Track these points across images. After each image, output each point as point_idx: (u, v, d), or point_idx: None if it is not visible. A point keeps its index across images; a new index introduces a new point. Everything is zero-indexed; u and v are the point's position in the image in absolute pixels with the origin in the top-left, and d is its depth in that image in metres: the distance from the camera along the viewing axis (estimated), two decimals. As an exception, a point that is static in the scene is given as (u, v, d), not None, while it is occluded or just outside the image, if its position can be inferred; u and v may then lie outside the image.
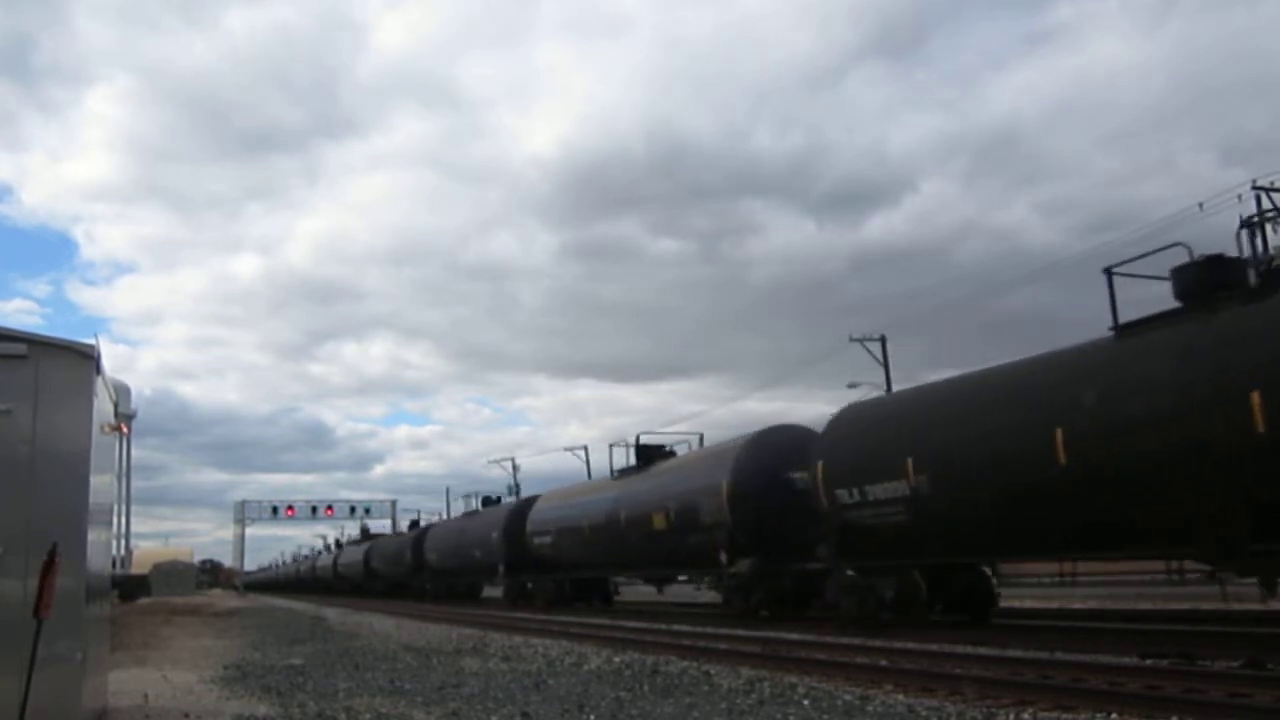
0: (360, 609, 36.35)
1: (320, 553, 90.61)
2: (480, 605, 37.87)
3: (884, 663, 10.66)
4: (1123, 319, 13.14)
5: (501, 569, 35.95)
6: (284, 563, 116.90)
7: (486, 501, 45.03)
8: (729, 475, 21.30)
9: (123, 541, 57.29)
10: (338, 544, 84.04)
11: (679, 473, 25.18)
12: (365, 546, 65.05)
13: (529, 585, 34.31)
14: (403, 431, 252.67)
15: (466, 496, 47.46)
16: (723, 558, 20.89)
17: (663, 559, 25.40)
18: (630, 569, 29.20)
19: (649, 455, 27.76)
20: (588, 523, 28.64)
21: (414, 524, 61.02)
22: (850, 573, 17.13)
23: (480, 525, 40.03)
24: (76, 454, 6.81)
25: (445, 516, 60.84)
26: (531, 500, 35.97)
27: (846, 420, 18.27)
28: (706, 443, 27.23)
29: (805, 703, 8.23)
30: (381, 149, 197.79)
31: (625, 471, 28.54)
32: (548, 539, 31.73)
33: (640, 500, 25.70)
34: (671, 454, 27.45)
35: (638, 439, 28.68)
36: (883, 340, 41.19)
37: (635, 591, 40.06)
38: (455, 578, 45.20)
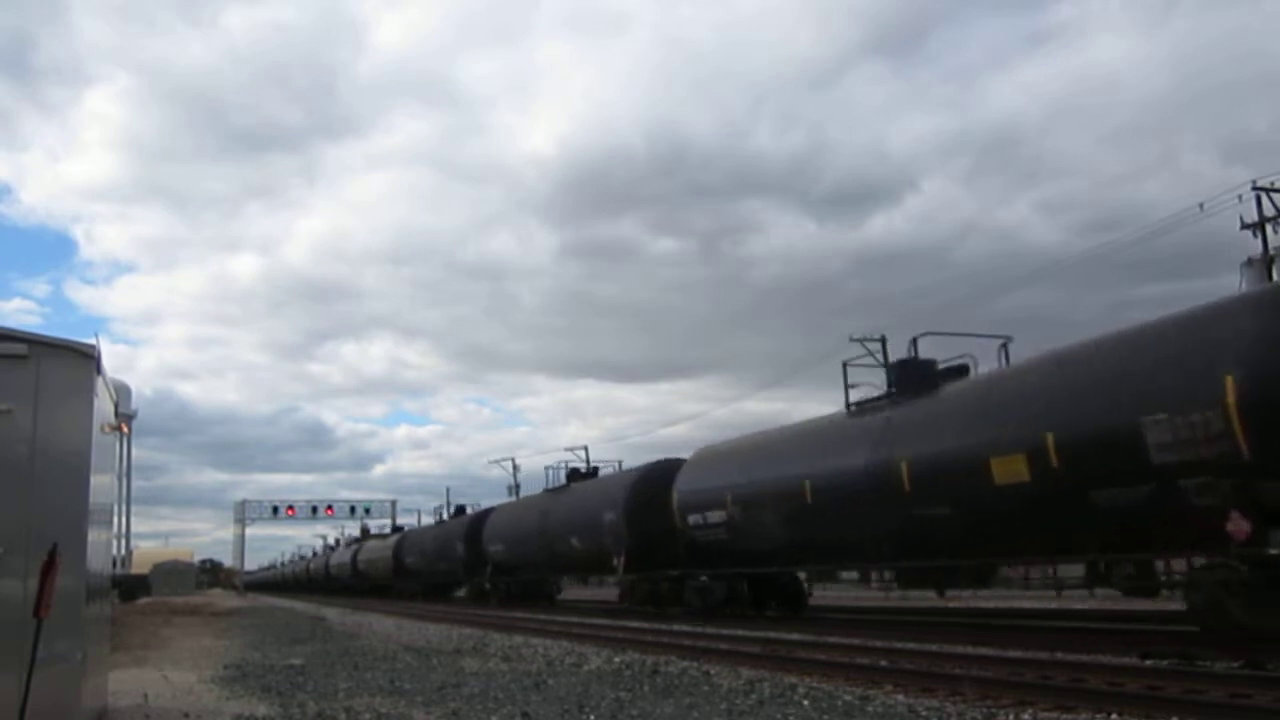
0: (361, 609, 36.34)
1: (333, 548, 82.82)
2: (565, 611, 29.20)
3: (884, 663, 10.66)
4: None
5: (619, 562, 25.91)
6: (286, 561, 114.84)
7: (575, 475, 32.80)
8: (1242, 361, 11.07)
9: (123, 541, 57.71)
10: (355, 538, 76.31)
11: (1050, 379, 14.35)
12: (395, 539, 55.92)
13: (664, 585, 24.53)
14: (402, 431, 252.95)
15: (549, 468, 34.53)
16: (1239, 526, 10.94)
17: (1015, 536, 14.78)
18: (910, 553, 16.77)
19: (924, 374, 17.36)
20: (810, 485, 18.49)
21: (460, 510, 49.39)
22: None
23: (577, 504, 29.65)
24: (76, 454, 6.81)
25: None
26: (673, 464, 25.60)
27: None
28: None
29: (805, 703, 8.23)
30: (381, 148, 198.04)
31: (878, 403, 18.12)
32: (719, 515, 21.56)
33: (948, 438, 15.49)
34: (960, 370, 17.18)
35: (914, 343, 18.21)
36: (883, 340, 41.12)
37: (828, 593, 31.15)
38: (533, 574, 34.71)
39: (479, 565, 37.86)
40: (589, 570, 31.86)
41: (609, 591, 31.67)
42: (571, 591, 39.28)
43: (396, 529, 66.35)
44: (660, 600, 24.70)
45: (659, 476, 25.63)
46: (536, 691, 9.52)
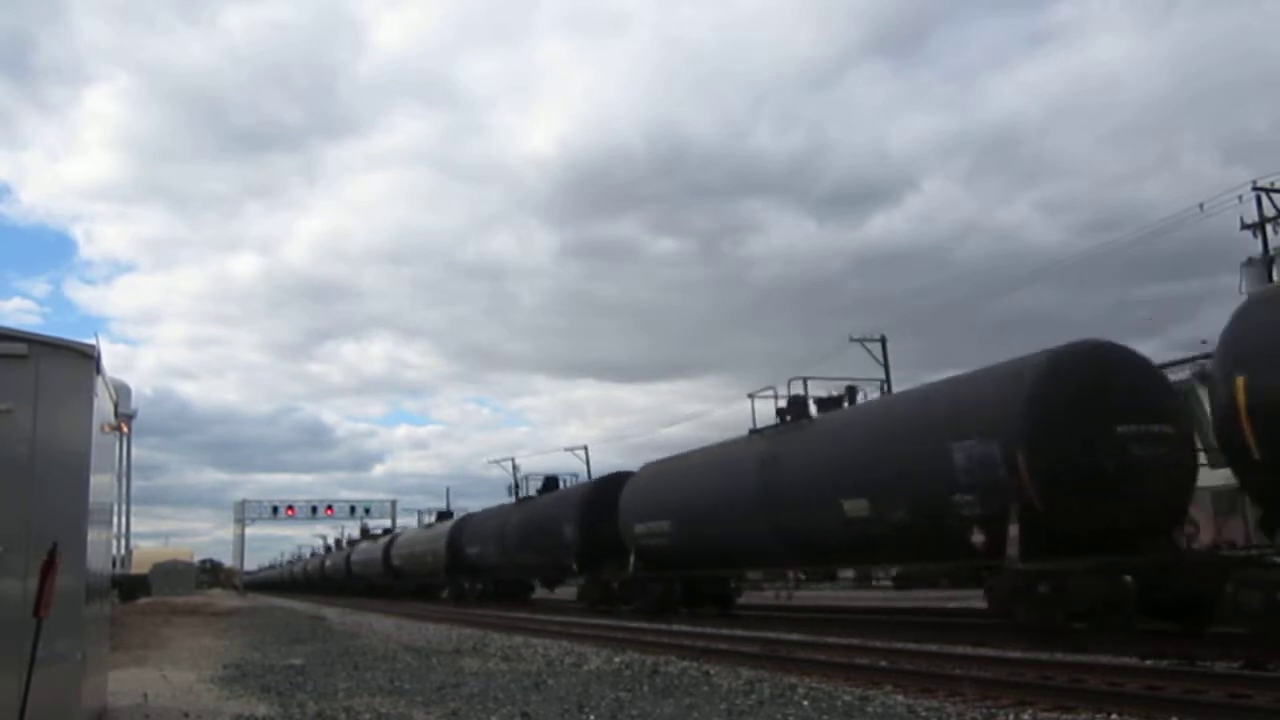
0: (361, 609, 36.32)
1: (354, 543, 72.21)
2: (749, 624, 18.76)
3: (884, 663, 10.66)
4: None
5: (1005, 538, 13.39)
6: (292, 559, 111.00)
7: (798, 406, 19.86)
8: None
9: (123, 541, 57.60)
10: (384, 530, 66.79)
11: None
12: (449, 525, 43.63)
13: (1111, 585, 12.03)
14: (402, 431, 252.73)
15: (763, 398, 21.00)
16: None
17: None
18: None
19: None
20: None
21: (549, 483, 34.89)
22: None
23: (860, 440, 17.04)
24: (76, 454, 6.81)
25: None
26: (1108, 350, 14.01)
27: None
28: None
29: (805, 703, 8.23)
30: (380, 148, 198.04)
31: None
32: None
33: None
34: None
35: None
36: (883, 340, 41.21)
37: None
38: (746, 565, 22.67)
39: (607, 555, 25.96)
40: (900, 556, 17.99)
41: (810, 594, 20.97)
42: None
43: (450, 514, 51.98)
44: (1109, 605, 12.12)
45: (1088, 371, 13.63)
46: (536, 691, 9.52)
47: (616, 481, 27.41)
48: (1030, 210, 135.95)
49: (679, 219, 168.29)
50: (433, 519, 52.65)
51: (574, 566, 28.36)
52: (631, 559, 24.42)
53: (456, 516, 46.90)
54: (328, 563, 76.72)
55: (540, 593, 37.40)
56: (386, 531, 66.60)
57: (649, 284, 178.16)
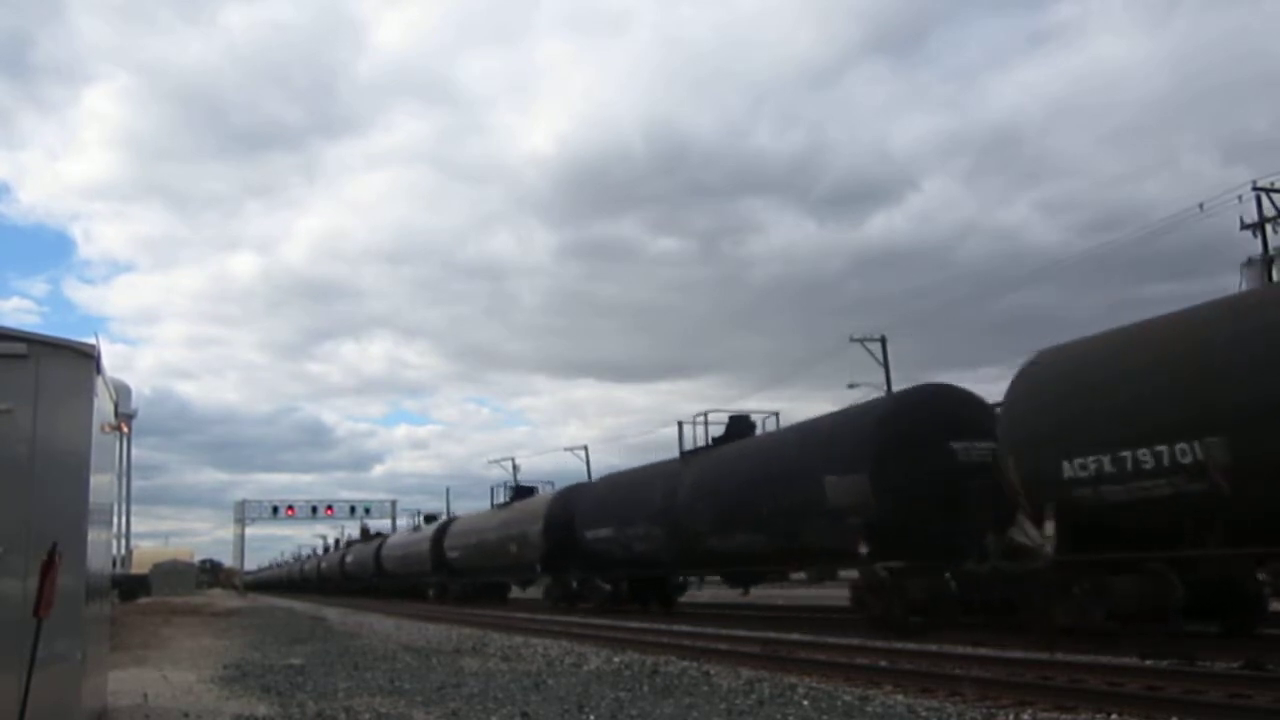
0: (361, 609, 36.32)
1: (375, 536, 61.31)
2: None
3: (884, 663, 10.66)
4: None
5: None
6: (290, 559, 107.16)
7: None
8: None
9: (123, 541, 57.67)
10: (428, 518, 53.79)
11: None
12: (544, 500, 31.92)
13: None
14: (402, 431, 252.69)
15: None
16: None
17: None
18: None
19: None
20: None
21: (739, 425, 23.01)
22: None
23: None
24: (76, 454, 6.80)
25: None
26: None
27: None
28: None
29: (805, 703, 8.23)
30: (380, 147, 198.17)
31: None
32: None
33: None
34: None
35: None
36: (883, 340, 41.22)
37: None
38: None
39: (933, 525, 15.20)
40: None
41: None
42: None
43: (531, 490, 37.16)
44: None
45: None
46: (536, 691, 9.52)
47: (931, 396, 16.50)
48: (1030, 210, 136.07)
49: (679, 219, 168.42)
50: (505, 498, 36.95)
51: (860, 549, 16.18)
52: (1049, 527, 12.81)
53: (541, 492, 34.32)
54: (348, 558, 63.89)
55: (694, 594, 28.32)
56: (430, 519, 53.55)
57: (649, 284, 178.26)
